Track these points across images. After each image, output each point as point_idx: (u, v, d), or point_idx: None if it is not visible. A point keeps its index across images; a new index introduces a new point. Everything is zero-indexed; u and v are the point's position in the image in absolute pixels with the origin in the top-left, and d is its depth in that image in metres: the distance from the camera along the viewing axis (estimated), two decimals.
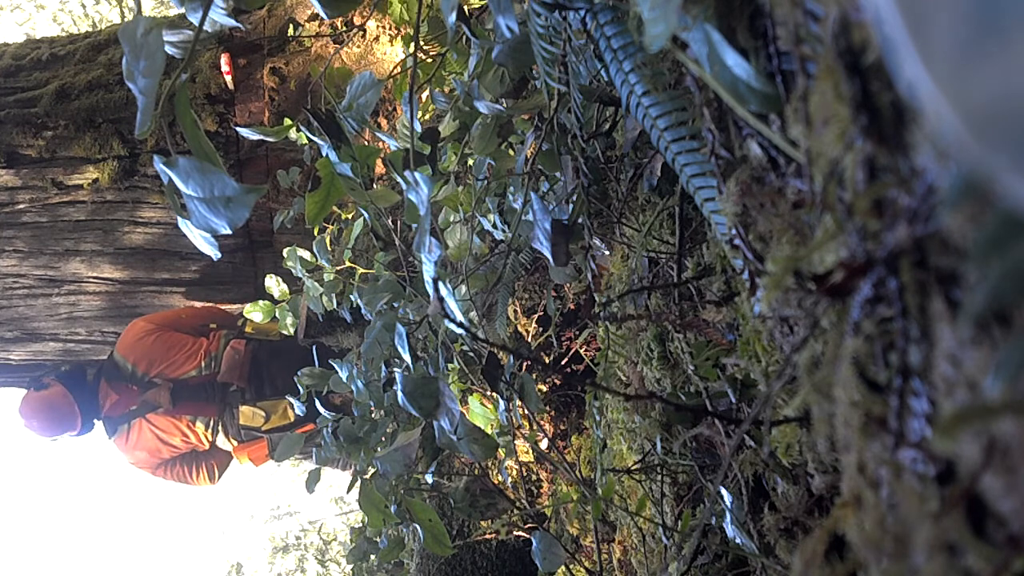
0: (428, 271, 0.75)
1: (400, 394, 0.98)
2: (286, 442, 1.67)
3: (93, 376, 2.74)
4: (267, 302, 2.39)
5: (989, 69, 0.18)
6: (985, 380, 0.24)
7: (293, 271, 2.13)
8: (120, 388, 2.70)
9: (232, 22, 0.64)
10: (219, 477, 2.86)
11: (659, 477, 1.15)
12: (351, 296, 1.88)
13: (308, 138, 0.97)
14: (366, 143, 1.19)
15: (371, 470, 1.43)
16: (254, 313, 2.40)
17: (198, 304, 2.88)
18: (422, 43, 1.47)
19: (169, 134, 0.61)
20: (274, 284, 2.35)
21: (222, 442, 2.79)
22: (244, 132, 1.06)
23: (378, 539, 1.58)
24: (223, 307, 2.88)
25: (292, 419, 2.68)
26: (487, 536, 2.14)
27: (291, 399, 1.80)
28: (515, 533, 2.04)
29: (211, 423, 2.74)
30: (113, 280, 2.94)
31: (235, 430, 2.74)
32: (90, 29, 5.96)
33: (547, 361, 2.04)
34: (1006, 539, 0.24)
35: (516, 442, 1.77)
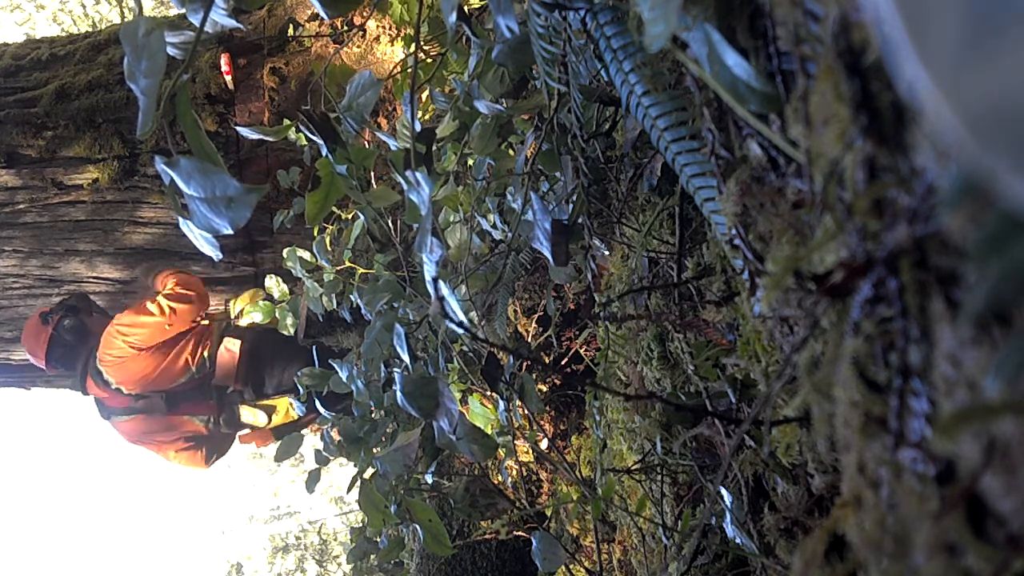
0: (429, 271, 0.75)
1: (400, 394, 0.98)
2: (285, 443, 1.67)
3: (82, 362, 2.65)
4: (267, 302, 2.39)
5: (989, 69, 0.18)
6: (985, 380, 0.24)
7: (293, 271, 2.13)
8: (108, 390, 2.66)
9: (232, 22, 0.64)
10: (213, 462, 2.84)
11: (659, 477, 1.15)
12: (351, 296, 1.88)
13: (307, 138, 0.97)
14: (366, 143, 1.19)
15: (371, 470, 1.43)
16: (254, 313, 2.40)
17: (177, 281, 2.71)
18: (422, 43, 1.47)
19: (170, 134, 0.61)
20: (274, 284, 2.35)
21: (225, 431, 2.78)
22: (244, 132, 1.06)
23: (378, 539, 1.58)
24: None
25: (295, 418, 2.67)
26: (487, 536, 2.14)
27: (292, 400, 1.80)
28: (515, 533, 2.04)
29: (209, 419, 2.73)
30: (113, 280, 2.94)
31: (238, 425, 2.73)
32: (90, 29, 5.96)
33: (547, 361, 2.04)
34: (1006, 539, 0.24)
35: (516, 442, 1.77)
